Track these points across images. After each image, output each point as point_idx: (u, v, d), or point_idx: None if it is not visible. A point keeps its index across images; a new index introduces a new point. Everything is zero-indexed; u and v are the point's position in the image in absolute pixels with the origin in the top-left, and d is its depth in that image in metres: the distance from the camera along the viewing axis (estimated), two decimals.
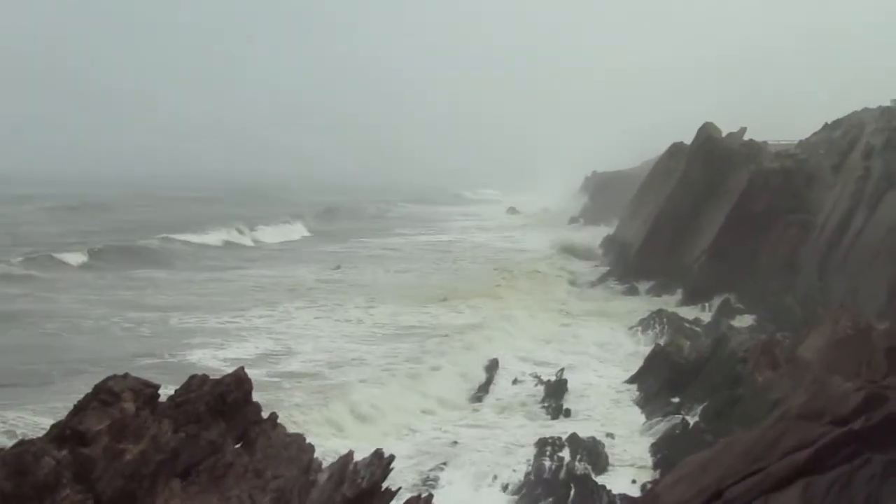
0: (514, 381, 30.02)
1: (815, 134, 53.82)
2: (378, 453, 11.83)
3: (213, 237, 77.74)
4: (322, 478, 11.14)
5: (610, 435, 24.23)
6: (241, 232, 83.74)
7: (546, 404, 27.53)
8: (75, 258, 58.31)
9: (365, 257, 68.61)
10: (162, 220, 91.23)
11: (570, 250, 70.78)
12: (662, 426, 24.67)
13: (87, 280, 51.27)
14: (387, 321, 39.39)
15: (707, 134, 56.41)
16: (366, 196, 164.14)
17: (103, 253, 61.50)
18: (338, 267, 59.42)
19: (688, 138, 59.64)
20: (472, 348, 33.70)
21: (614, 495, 19.61)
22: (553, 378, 29.67)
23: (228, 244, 77.32)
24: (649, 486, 19.15)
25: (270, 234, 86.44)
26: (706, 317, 41.38)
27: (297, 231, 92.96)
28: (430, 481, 20.76)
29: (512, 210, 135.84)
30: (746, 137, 55.84)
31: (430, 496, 11.30)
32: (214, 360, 29.67)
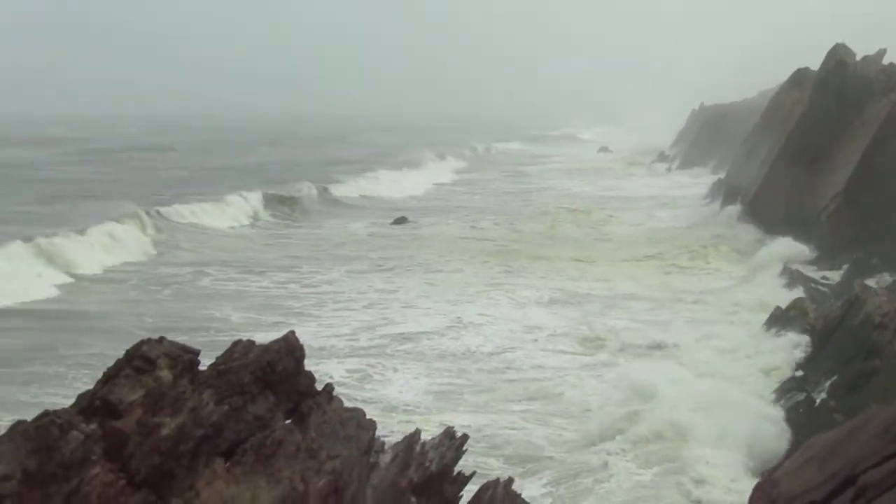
0: None
1: None
2: (449, 433, 11.88)
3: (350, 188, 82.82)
4: (385, 459, 11.21)
5: None
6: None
7: None
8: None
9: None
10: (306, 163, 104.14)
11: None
12: (782, 404, 24.37)
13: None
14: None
15: (838, 58, 54.74)
16: (448, 137, 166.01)
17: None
18: None
19: (814, 63, 58.27)
20: None
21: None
22: None
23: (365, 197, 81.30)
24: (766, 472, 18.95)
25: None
26: (835, 275, 40.52)
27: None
28: None
29: (604, 149, 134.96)
30: (886, 61, 54.26)
31: (511, 480, 11.31)
32: None
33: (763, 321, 30.66)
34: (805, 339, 28.01)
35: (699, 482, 19.78)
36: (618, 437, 22.27)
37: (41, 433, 7.85)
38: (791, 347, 27.80)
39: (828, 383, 25.13)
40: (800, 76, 62.91)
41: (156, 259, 48.86)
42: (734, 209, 58.05)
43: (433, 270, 44.98)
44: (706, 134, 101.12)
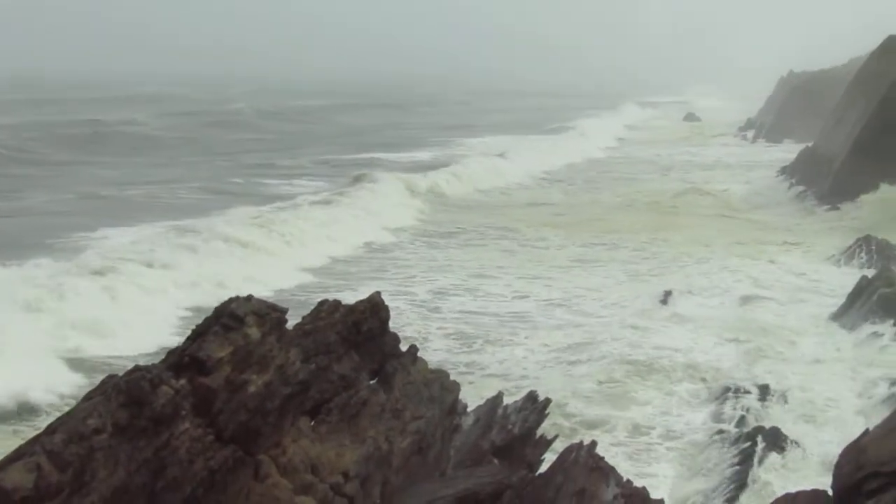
0: None
1: None
2: (531, 396, 11.82)
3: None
4: (467, 422, 11.21)
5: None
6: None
7: None
8: None
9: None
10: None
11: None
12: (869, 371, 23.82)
13: None
14: None
15: None
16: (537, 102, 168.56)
17: None
18: None
19: None
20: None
21: (806, 448, 19.06)
22: None
23: None
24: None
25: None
26: None
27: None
28: None
29: (691, 116, 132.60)
30: None
31: (594, 443, 11.17)
32: None
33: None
34: None
35: None
36: None
37: (132, 387, 7.89)
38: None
39: None
40: (891, 43, 61.28)
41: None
42: (815, 184, 56.71)
43: None
44: (794, 102, 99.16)
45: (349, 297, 11.49)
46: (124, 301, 28.20)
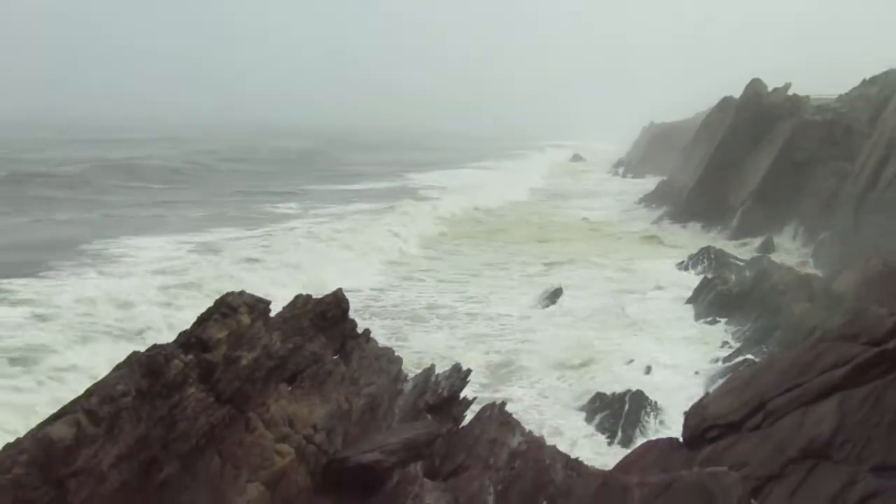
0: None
1: (853, 89, 51.70)
2: (457, 367, 11.89)
3: None
4: (407, 387, 11.24)
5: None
6: None
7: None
8: None
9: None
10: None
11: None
12: (710, 349, 24.35)
13: None
14: None
15: (754, 89, 54.78)
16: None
17: None
18: None
19: (737, 92, 58.07)
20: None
21: (663, 407, 19.37)
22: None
23: None
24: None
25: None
26: (750, 252, 40.40)
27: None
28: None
29: (577, 157, 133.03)
30: (791, 92, 54.11)
31: (503, 403, 11.33)
32: None
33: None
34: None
35: None
36: None
37: (151, 361, 7.90)
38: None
39: (743, 334, 25.17)
40: (725, 103, 62.72)
41: None
42: (670, 206, 57.49)
43: None
44: (653, 146, 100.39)
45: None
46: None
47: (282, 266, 32.54)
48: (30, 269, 28.74)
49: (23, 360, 18.63)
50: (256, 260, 33.28)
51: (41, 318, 22.29)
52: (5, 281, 26.05)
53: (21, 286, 25.69)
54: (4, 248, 35.21)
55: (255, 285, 24.52)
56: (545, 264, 38.33)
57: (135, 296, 25.25)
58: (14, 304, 23.74)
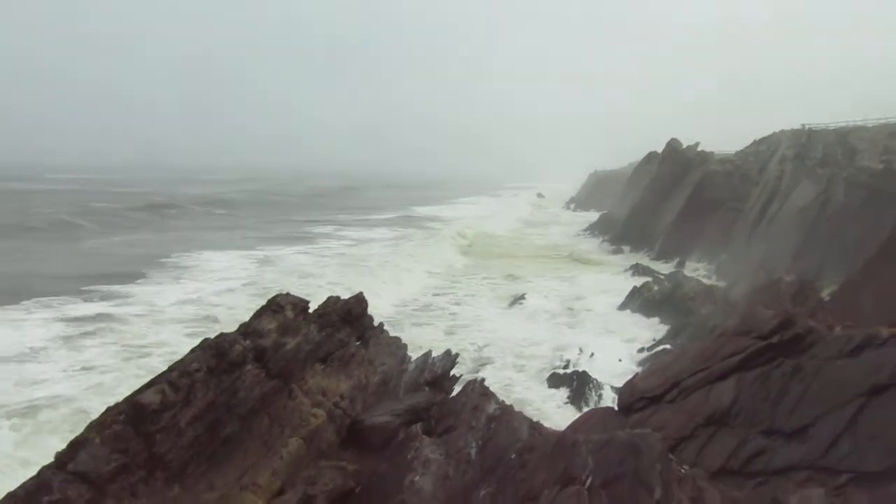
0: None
1: (747, 147, 52.42)
2: (447, 352, 11.84)
3: None
4: (411, 367, 11.19)
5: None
6: None
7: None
8: None
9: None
10: None
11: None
12: (638, 341, 24.27)
13: None
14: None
15: (672, 146, 55.40)
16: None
17: None
18: None
19: (660, 148, 58.52)
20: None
21: (603, 384, 19.34)
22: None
23: None
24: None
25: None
26: (669, 268, 40.48)
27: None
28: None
29: (539, 195, 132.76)
30: (700, 149, 54.68)
31: (483, 379, 11.31)
32: None
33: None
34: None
35: None
36: None
37: (218, 345, 7.85)
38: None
39: (663, 329, 25.16)
40: (651, 156, 63.34)
41: None
42: (609, 234, 57.49)
43: None
44: (598, 187, 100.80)
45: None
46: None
47: (315, 275, 32.39)
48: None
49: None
50: (299, 270, 33.15)
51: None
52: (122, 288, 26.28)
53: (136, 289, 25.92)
54: (129, 257, 35.76)
55: (298, 288, 24.47)
56: (509, 276, 38.10)
57: (211, 297, 25.28)
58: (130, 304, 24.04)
